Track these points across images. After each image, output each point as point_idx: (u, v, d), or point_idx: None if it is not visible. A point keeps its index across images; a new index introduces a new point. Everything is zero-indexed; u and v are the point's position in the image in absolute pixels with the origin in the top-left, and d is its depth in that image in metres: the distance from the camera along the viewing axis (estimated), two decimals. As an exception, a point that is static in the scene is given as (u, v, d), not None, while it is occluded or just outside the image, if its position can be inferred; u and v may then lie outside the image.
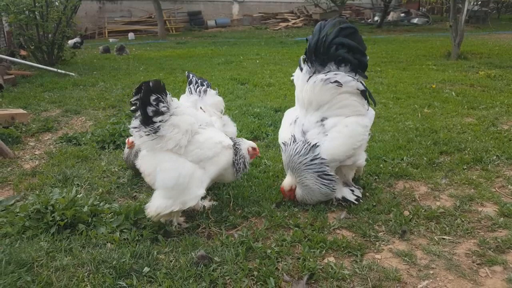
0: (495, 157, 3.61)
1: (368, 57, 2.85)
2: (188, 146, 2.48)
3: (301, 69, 2.87)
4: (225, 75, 7.70)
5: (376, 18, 20.94)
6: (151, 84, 2.31)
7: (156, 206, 2.44)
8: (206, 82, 3.14)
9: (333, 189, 2.81)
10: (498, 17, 21.27)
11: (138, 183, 3.31)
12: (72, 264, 2.24)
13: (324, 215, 2.77)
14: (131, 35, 17.28)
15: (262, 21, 21.61)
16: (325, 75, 2.71)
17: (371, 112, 2.98)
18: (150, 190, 3.15)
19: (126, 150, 3.30)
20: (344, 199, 2.89)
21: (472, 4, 9.68)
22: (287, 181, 2.89)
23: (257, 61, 9.64)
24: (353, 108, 2.80)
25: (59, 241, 2.45)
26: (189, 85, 3.18)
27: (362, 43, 2.82)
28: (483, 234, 2.54)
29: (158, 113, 2.33)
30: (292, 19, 21.43)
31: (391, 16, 20.72)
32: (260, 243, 2.45)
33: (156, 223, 2.58)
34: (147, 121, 2.33)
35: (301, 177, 2.79)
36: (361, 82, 2.80)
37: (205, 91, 3.16)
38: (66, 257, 2.30)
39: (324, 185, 2.77)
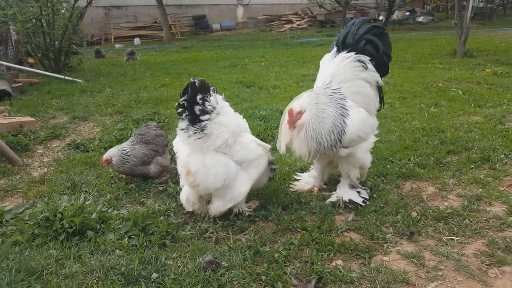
0: (503, 155, 3.57)
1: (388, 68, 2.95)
2: (234, 146, 2.60)
3: (331, 53, 2.93)
4: (231, 78, 7.72)
5: (381, 18, 20.85)
6: (197, 83, 2.45)
7: (215, 208, 2.67)
8: (212, 87, 3.16)
9: (343, 131, 2.68)
10: (504, 13, 21.08)
11: (146, 189, 3.33)
12: (81, 271, 2.26)
13: (331, 218, 2.76)
14: (137, 40, 17.40)
15: (267, 23, 21.65)
16: (355, 54, 2.79)
17: (375, 120, 3.01)
18: (158, 196, 3.19)
19: (122, 168, 3.37)
20: (351, 201, 2.88)
21: (477, 1, 9.63)
22: (299, 102, 2.69)
23: (262, 64, 9.66)
24: (367, 100, 2.85)
25: (68, 248, 2.48)
26: None
27: (389, 46, 2.91)
28: (492, 234, 2.51)
29: (205, 112, 2.46)
30: (296, 20, 21.44)
31: (396, 15, 20.64)
32: (267, 247, 2.45)
33: (163, 229, 2.60)
34: (194, 120, 2.45)
35: (320, 100, 2.71)
36: (380, 79, 2.90)
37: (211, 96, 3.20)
38: (75, 264, 2.32)
39: (339, 117, 2.69)
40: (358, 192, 2.93)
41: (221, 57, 11.22)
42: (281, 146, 2.79)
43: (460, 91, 5.89)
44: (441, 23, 18.97)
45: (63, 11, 9.31)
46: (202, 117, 2.47)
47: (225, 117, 2.58)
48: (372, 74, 2.85)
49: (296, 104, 2.68)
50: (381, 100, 2.97)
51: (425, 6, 23.33)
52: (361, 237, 2.56)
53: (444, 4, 21.65)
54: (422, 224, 2.65)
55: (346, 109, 2.73)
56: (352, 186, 2.96)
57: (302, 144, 2.69)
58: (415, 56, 9.41)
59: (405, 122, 4.64)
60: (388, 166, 3.50)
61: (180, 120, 2.53)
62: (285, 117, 2.74)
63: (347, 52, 2.83)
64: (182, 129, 2.52)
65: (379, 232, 2.58)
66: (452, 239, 2.49)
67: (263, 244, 2.47)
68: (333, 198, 2.97)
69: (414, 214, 2.77)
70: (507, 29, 15.17)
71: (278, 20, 21.93)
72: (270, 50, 12.31)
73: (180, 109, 2.48)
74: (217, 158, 2.58)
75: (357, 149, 2.85)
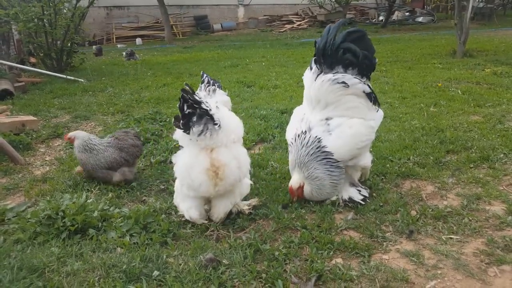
0: (502, 155, 3.59)
1: (376, 60, 2.89)
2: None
3: (311, 68, 2.90)
4: (232, 78, 7.75)
5: (381, 18, 20.86)
6: (188, 88, 2.47)
7: (222, 209, 2.69)
8: (217, 83, 3.20)
9: (341, 179, 2.85)
10: (504, 13, 21.06)
11: (147, 187, 3.35)
12: (83, 269, 2.28)
13: (331, 216, 2.78)
14: (138, 40, 17.42)
15: (267, 24, 21.66)
16: (333, 75, 2.76)
17: (380, 113, 3.00)
18: (159, 194, 3.21)
19: (83, 156, 3.32)
20: (351, 199, 2.90)
21: (477, 1, 9.63)
22: (295, 179, 2.90)
23: (263, 64, 9.68)
24: (359, 110, 2.84)
25: (70, 246, 2.50)
26: (201, 84, 3.26)
27: (370, 47, 2.85)
28: (491, 233, 2.53)
29: (211, 109, 2.48)
30: (297, 20, 21.44)
31: (396, 15, 20.63)
32: (268, 245, 2.47)
33: (165, 227, 2.62)
34: (212, 118, 2.45)
35: (310, 170, 2.83)
36: (368, 85, 2.84)
37: (214, 90, 3.21)
38: (76, 262, 2.34)
39: (334, 174, 2.81)
40: (358, 190, 2.95)
41: (222, 57, 11.24)
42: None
43: (459, 91, 5.91)
44: (441, 23, 18.96)
45: (65, 11, 9.34)
46: (213, 114, 2.46)
47: (222, 110, 2.66)
48: (357, 87, 2.78)
49: (293, 181, 2.89)
50: (375, 101, 2.90)
51: (425, 7, 23.33)
52: (361, 236, 2.58)
53: (444, 4, 21.67)
54: (422, 223, 2.67)
55: (333, 162, 2.81)
56: (352, 184, 2.98)
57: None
58: (414, 56, 9.41)
59: (404, 121, 4.66)
60: (388, 165, 3.51)
61: (192, 126, 2.44)
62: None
63: (324, 74, 2.77)
64: (201, 132, 2.43)
65: (379, 231, 2.59)
66: (451, 238, 2.50)
67: (264, 242, 2.49)
68: (333, 196, 2.99)
69: (413, 213, 2.78)
70: (507, 29, 15.16)
71: (279, 20, 21.94)
72: (270, 50, 12.32)
73: (195, 116, 2.41)
74: (237, 148, 2.66)
75: (360, 159, 2.91)
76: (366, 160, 2.97)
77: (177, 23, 20.05)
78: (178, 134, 2.59)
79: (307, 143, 2.81)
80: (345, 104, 2.80)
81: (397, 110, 5.16)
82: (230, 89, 6.65)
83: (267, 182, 3.29)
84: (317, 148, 2.79)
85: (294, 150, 2.88)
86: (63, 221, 2.61)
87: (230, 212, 2.78)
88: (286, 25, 20.85)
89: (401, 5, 22.47)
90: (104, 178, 3.36)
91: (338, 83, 2.74)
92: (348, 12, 20.33)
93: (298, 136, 2.87)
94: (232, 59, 10.59)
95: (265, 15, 22.19)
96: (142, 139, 3.61)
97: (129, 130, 3.62)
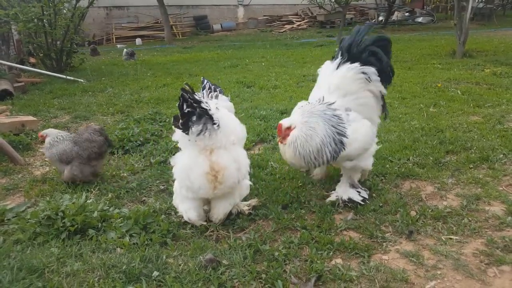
0: (501, 155, 3.59)
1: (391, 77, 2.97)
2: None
3: (333, 59, 2.92)
4: (231, 78, 7.75)
5: (380, 18, 20.86)
6: (188, 88, 2.46)
7: (222, 210, 2.66)
8: (219, 89, 3.20)
9: (336, 151, 2.67)
10: (504, 13, 21.07)
11: (147, 188, 3.35)
12: (83, 269, 2.28)
13: (331, 217, 2.78)
14: (138, 41, 17.43)
15: (267, 24, 21.67)
16: (360, 65, 2.79)
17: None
18: (159, 195, 3.21)
19: (54, 150, 3.31)
20: (351, 200, 2.90)
21: (477, 1, 9.63)
22: (289, 118, 2.73)
23: (263, 64, 9.68)
24: (371, 110, 2.88)
25: (69, 246, 2.50)
26: (202, 90, 3.25)
27: (390, 58, 2.92)
28: (490, 234, 2.53)
29: (210, 108, 2.46)
30: (296, 21, 21.46)
31: (396, 16, 20.64)
32: (267, 245, 2.47)
33: (164, 228, 2.62)
34: (212, 118, 2.43)
35: (312, 119, 2.68)
36: (385, 89, 2.92)
37: (217, 96, 3.21)
38: (76, 262, 2.34)
39: (327, 141, 2.64)
40: (358, 192, 2.95)
41: (222, 57, 11.25)
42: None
43: (459, 91, 5.91)
44: (441, 24, 18.97)
45: (64, 11, 9.34)
46: (212, 114, 2.46)
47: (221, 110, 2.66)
48: (377, 85, 2.88)
49: (286, 119, 2.72)
50: (384, 109, 3.00)
51: (425, 7, 23.34)
52: (360, 236, 2.58)
53: (444, 4, 21.68)
54: (421, 223, 2.67)
55: (344, 126, 2.70)
56: (352, 186, 2.98)
57: (293, 159, 2.73)
58: (414, 57, 9.42)
59: (404, 122, 4.66)
60: (387, 165, 3.52)
61: (192, 125, 2.41)
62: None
63: (351, 63, 2.81)
64: (200, 132, 2.41)
65: (378, 231, 2.59)
66: (451, 238, 2.50)
67: (263, 243, 2.49)
68: (333, 197, 2.99)
69: (413, 213, 2.78)
70: (507, 29, 15.17)
71: (279, 20, 21.95)
72: (270, 51, 12.33)
73: (194, 116, 2.39)
74: (236, 150, 2.62)
75: (361, 160, 2.89)
76: (368, 162, 2.97)
77: (177, 23, 20.06)
78: (177, 135, 2.59)
79: (327, 107, 2.73)
80: (362, 99, 2.83)
81: (396, 110, 5.16)
82: (230, 90, 6.67)
83: (267, 182, 3.29)
84: (333, 115, 2.71)
85: (309, 106, 2.75)
86: (62, 221, 2.61)
87: (230, 213, 2.78)
88: (286, 26, 20.86)
89: (400, 6, 22.47)
90: (60, 173, 3.32)
91: (362, 73, 2.78)
92: (348, 13, 20.31)
93: (321, 100, 2.79)
94: (231, 59, 10.59)
95: (264, 15, 22.20)
96: (106, 137, 3.47)
97: (91, 125, 3.56)
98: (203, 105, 2.43)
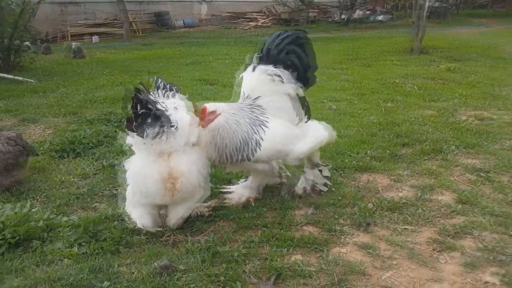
0: (454, 147, 3.74)
1: (316, 78, 2.91)
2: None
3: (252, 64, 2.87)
4: (193, 76, 7.60)
5: (343, 16, 21.29)
6: (140, 88, 2.36)
7: (180, 214, 2.55)
8: (175, 87, 3.10)
9: (253, 151, 2.60)
10: (457, 12, 22.10)
11: (99, 193, 3.17)
12: (23, 285, 2.10)
13: (291, 213, 2.77)
14: (95, 38, 16.77)
15: (232, 21, 21.53)
16: (274, 67, 2.74)
17: (320, 134, 2.85)
18: (112, 200, 3.05)
19: None
20: (313, 187, 2.91)
21: (433, 0, 10.05)
22: (216, 104, 2.63)
23: (227, 61, 9.58)
24: (288, 112, 2.79)
25: (9, 261, 2.29)
26: (157, 90, 3.13)
27: (313, 58, 2.85)
28: (443, 222, 2.62)
29: (166, 108, 2.36)
30: (261, 18, 21.47)
31: (357, 14, 21.13)
32: (227, 246, 2.41)
33: (117, 235, 2.49)
34: (169, 119, 2.33)
35: (236, 112, 2.62)
36: (302, 90, 2.83)
37: (173, 96, 3.11)
38: (17, 278, 2.15)
39: (248, 140, 2.57)
40: (320, 171, 2.96)
41: (184, 54, 11.02)
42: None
43: (415, 87, 6.12)
44: (400, 22, 19.61)
45: (12, 6, 8.80)
46: (170, 115, 2.36)
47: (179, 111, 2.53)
48: (292, 86, 2.76)
49: (211, 104, 2.61)
50: (307, 110, 2.89)
51: (385, 5, 24.05)
52: (320, 230, 2.58)
53: (403, 3, 22.42)
54: (378, 215, 2.72)
55: (265, 125, 2.65)
56: (314, 165, 2.96)
57: (207, 147, 2.60)
58: (374, 54, 9.65)
59: (363, 117, 4.75)
60: (346, 160, 3.56)
61: (147, 129, 2.29)
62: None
63: (266, 65, 2.75)
64: (156, 135, 2.29)
65: (337, 225, 2.61)
66: (406, 229, 2.57)
67: (223, 244, 2.43)
68: (299, 189, 2.97)
69: (370, 205, 2.83)
70: (460, 27, 15.93)
71: (243, 17, 21.87)
72: (234, 48, 12.23)
73: (150, 118, 2.27)
74: (197, 152, 2.51)
75: (288, 155, 2.77)
76: (300, 148, 2.74)
77: (137, 19, 19.50)
78: (131, 138, 2.44)
79: (252, 103, 2.73)
80: (277, 102, 2.75)
81: (356, 106, 5.26)
82: (191, 88, 6.52)
83: (228, 181, 3.23)
84: (260, 112, 2.69)
85: (238, 103, 2.75)
86: (2, 233, 2.40)
87: (189, 216, 2.68)
88: (250, 23, 20.82)
89: (362, 4, 23.02)
90: None
91: (275, 75, 2.72)
92: (311, 11, 20.58)
93: (247, 96, 2.79)
94: (194, 56, 10.41)
95: (229, 12, 22.04)
96: (24, 145, 3.24)
97: (3, 134, 3.29)
98: (159, 105, 2.33)
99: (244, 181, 3.08)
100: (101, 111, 5.29)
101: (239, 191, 2.96)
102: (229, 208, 2.82)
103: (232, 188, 3.07)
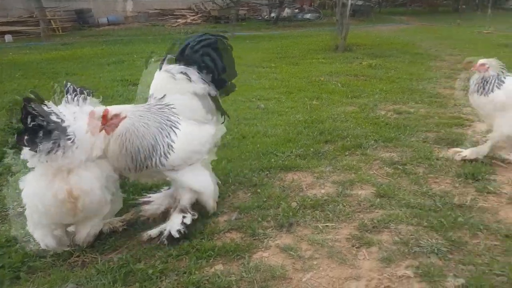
0: (373, 141, 3.89)
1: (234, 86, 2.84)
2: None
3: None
4: (115, 76, 7.17)
5: (272, 15, 21.62)
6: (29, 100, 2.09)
7: (91, 231, 2.36)
8: (87, 91, 2.83)
9: (166, 155, 2.39)
10: (380, 11, 23.56)
11: (1, 212, 2.82)
12: None
13: (214, 220, 2.67)
14: (8, 37, 15.19)
15: (159, 18, 20.81)
16: (180, 66, 2.62)
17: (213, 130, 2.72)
18: (17, 219, 2.69)
19: None
20: (169, 235, 2.44)
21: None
22: (120, 107, 2.38)
23: (153, 60, 9.19)
24: (198, 113, 2.66)
25: None
26: (66, 94, 2.83)
27: (231, 63, 2.75)
28: (362, 217, 2.68)
29: (63, 120, 2.15)
30: (190, 15, 21.05)
31: (286, 12, 21.59)
32: (142, 263, 2.24)
33: (17, 260, 2.22)
34: (65, 131, 2.11)
35: (144, 113, 2.43)
36: (214, 91, 2.72)
37: (84, 99, 2.82)
38: None
39: (164, 137, 2.41)
40: (184, 217, 2.52)
41: (107, 53, 10.38)
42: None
43: (339, 84, 6.33)
44: (326, 20, 20.39)
45: None
46: (66, 126, 2.14)
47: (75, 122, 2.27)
48: (200, 86, 2.64)
49: (115, 107, 2.34)
50: (222, 112, 2.80)
51: (312, 4, 24.86)
52: (243, 236, 2.51)
53: (329, 1, 23.34)
54: (301, 214, 2.71)
55: (176, 127, 2.49)
56: (181, 211, 2.55)
57: (119, 157, 2.34)
58: (301, 52, 9.87)
59: (290, 115, 4.79)
60: (272, 159, 3.54)
61: (41, 143, 2.05)
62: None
63: (175, 65, 2.64)
64: (50, 150, 2.06)
65: (261, 228, 2.57)
66: (327, 226, 2.59)
67: (137, 261, 2.25)
68: (155, 230, 2.52)
69: (294, 204, 2.82)
70: (382, 25, 16.97)
71: (171, 14, 21.27)
72: (162, 46, 11.76)
73: (41, 131, 2.05)
74: (102, 164, 2.28)
75: (183, 174, 2.53)
76: (194, 181, 2.53)
77: (56, 17, 18.07)
78: (26, 153, 2.17)
79: (159, 103, 2.56)
80: (185, 101, 2.61)
81: (283, 104, 5.29)
82: (112, 89, 6.15)
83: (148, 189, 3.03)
84: (171, 110, 2.54)
85: (145, 104, 2.56)
86: None
87: (101, 232, 2.46)
88: (179, 20, 20.31)
89: (290, 2, 23.55)
90: None
91: (182, 73, 2.59)
92: (241, 8, 20.61)
93: (152, 96, 2.60)
94: (117, 55, 9.84)
95: (156, 9, 21.28)
96: None
97: None
98: (53, 117, 2.09)
99: (168, 188, 2.90)
100: (9, 119, 4.74)
101: (158, 201, 2.76)
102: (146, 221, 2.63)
103: (152, 197, 2.86)
